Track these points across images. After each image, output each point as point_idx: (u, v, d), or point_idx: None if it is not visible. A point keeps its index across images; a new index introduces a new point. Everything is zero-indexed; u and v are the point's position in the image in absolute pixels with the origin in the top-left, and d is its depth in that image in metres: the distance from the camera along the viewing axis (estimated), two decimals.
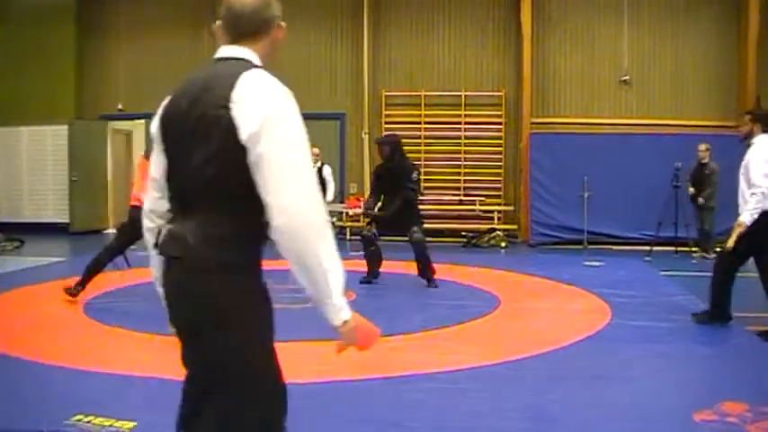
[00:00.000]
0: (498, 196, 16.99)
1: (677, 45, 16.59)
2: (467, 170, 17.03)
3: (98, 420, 4.75)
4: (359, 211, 13.48)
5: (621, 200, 15.12)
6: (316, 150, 14.60)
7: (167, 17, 18.53)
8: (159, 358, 6.49)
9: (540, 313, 8.47)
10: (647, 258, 13.36)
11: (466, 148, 16.91)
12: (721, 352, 6.72)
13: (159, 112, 2.77)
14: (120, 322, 7.77)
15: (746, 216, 7.20)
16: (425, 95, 17.02)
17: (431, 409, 5.19)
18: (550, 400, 5.38)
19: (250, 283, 2.71)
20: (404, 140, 17.06)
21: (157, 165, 2.77)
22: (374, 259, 10.59)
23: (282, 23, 2.92)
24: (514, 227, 16.67)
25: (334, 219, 17.22)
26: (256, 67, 2.73)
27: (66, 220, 18.20)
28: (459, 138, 17.03)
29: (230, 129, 2.51)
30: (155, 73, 18.33)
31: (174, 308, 2.82)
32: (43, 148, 18.60)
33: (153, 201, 2.82)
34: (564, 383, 5.74)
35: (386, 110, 17.41)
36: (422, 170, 16.93)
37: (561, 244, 15.36)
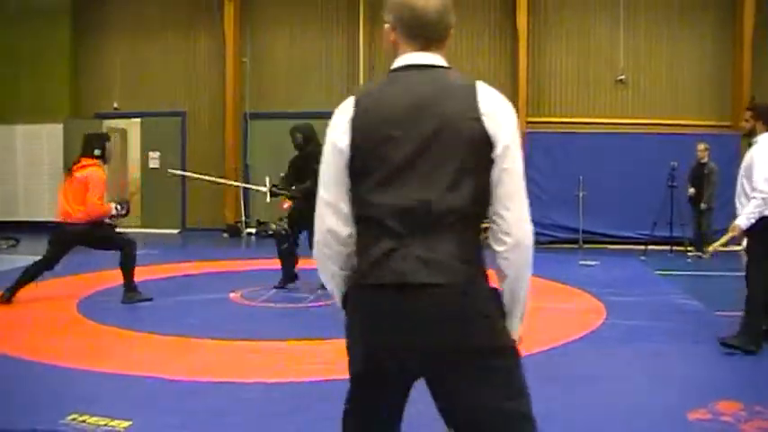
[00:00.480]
0: None
1: (673, 45, 16.61)
2: None
3: (93, 420, 4.75)
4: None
5: (617, 199, 15.15)
6: None
7: (163, 16, 18.52)
8: (154, 357, 6.49)
9: (534, 312, 8.39)
10: (643, 258, 13.38)
11: None
12: (715, 351, 6.71)
13: (348, 125, 2.50)
14: (115, 321, 7.76)
15: (743, 220, 6.75)
16: None
17: (426, 405, 5.18)
18: (545, 399, 5.35)
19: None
20: None
21: (339, 185, 2.53)
22: (289, 259, 9.86)
23: None
24: None
25: None
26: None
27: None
28: None
29: (483, 142, 2.43)
30: (150, 72, 18.36)
31: (423, 334, 2.44)
32: (38, 146, 18.58)
33: (334, 225, 2.55)
34: (558, 383, 5.73)
35: None
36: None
37: (557, 243, 15.36)
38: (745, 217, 6.74)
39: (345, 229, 2.55)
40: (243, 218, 17.91)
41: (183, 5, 18.43)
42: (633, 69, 16.55)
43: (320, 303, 8.97)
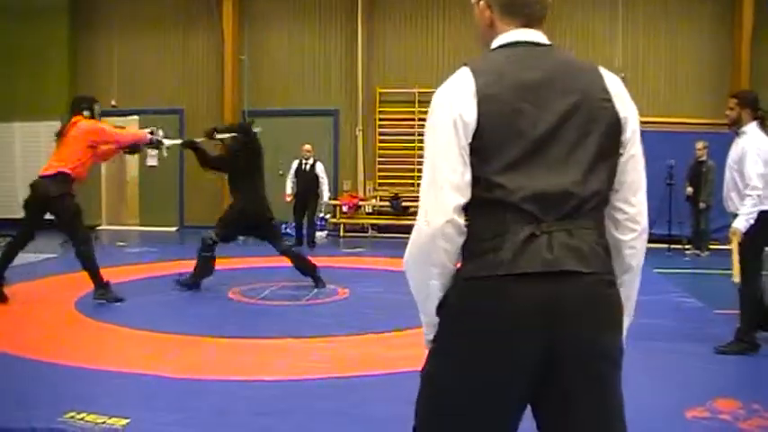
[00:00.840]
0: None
1: (672, 42, 16.62)
2: None
3: (91, 417, 4.74)
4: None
5: None
6: (308, 147, 14.60)
7: (161, 14, 18.52)
8: (152, 355, 6.49)
9: None
10: None
11: None
12: (713, 349, 6.71)
13: (473, 97, 2.25)
14: (113, 319, 7.76)
15: (742, 222, 6.48)
16: (419, 92, 17.00)
17: None
18: None
19: None
20: (399, 137, 17.18)
21: (465, 166, 2.22)
22: (206, 266, 9.57)
23: None
24: None
25: (328, 215, 17.23)
26: None
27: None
28: None
29: (616, 124, 2.32)
30: (148, 69, 18.36)
31: (574, 329, 2.23)
32: (36, 143, 18.55)
33: (458, 213, 2.22)
34: None
35: (380, 107, 17.41)
36: (416, 167, 17.04)
37: None
38: (744, 219, 6.51)
39: (464, 217, 2.25)
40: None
41: (182, 3, 18.42)
42: (632, 66, 16.53)
43: (318, 301, 8.97)
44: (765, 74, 15.95)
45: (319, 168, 14.74)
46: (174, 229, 18.25)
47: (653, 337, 7.19)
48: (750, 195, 6.49)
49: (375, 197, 17.68)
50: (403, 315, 8.15)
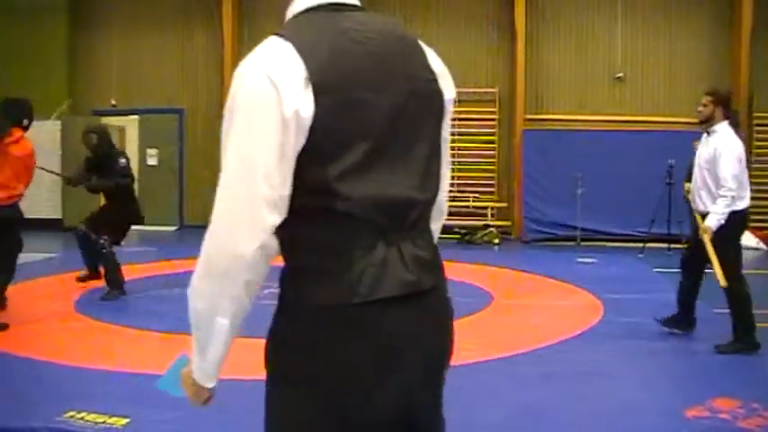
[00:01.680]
0: (492, 193, 16.96)
1: (671, 42, 16.60)
2: (460, 166, 17.00)
3: (91, 417, 4.75)
4: None
5: (615, 196, 15.12)
6: None
7: (161, 13, 18.49)
8: (152, 354, 6.50)
9: (532, 310, 8.48)
10: (640, 255, 13.38)
11: (459, 144, 16.86)
12: (713, 348, 6.72)
13: (305, 84, 1.76)
14: (112, 318, 7.76)
15: (713, 221, 6.51)
16: None
17: None
18: (542, 396, 5.39)
19: None
20: None
21: (288, 173, 1.78)
22: (92, 258, 9.40)
23: None
24: (508, 223, 16.66)
25: None
26: None
27: (59, 216, 18.17)
28: (453, 134, 16.84)
29: (441, 110, 2.01)
30: (148, 69, 18.32)
31: (420, 351, 1.95)
32: (36, 143, 18.52)
33: (269, 234, 1.82)
34: (556, 380, 5.75)
35: None
36: None
37: (554, 240, 15.35)
38: (715, 218, 6.50)
39: (275, 238, 1.84)
40: None
41: (181, 3, 18.40)
42: (631, 66, 16.53)
43: None
44: (764, 74, 15.95)
45: None
46: (173, 228, 18.24)
47: (652, 336, 7.22)
48: (724, 197, 6.48)
49: None
50: None
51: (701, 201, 6.83)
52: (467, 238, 15.89)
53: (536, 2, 16.62)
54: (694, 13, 16.51)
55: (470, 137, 16.97)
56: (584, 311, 8.31)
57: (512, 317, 8.06)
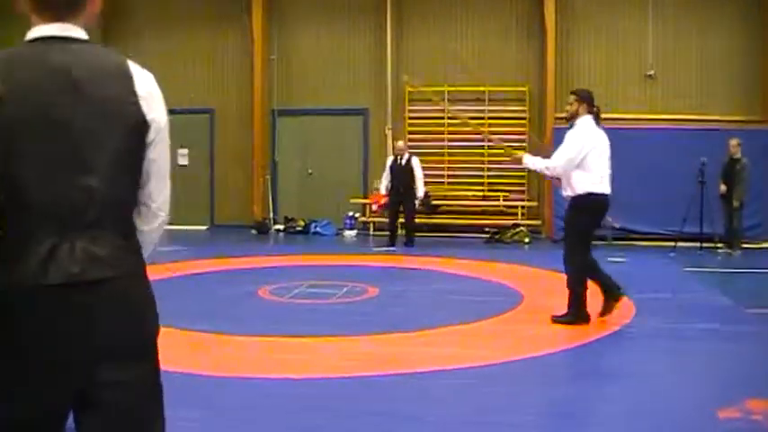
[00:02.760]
0: (522, 191, 16.91)
1: (702, 39, 16.45)
2: (491, 165, 16.97)
3: None
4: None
5: (645, 195, 15.00)
6: (401, 144, 14.62)
7: (191, 14, 18.59)
8: (182, 352, 6.54)
9: (562, 309, 8.42)
10: (672, 254, 13.28)
11: (490, 143, 16.82)
12: (746, 349, 6.66)
13: None
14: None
15: (533, 161, 8.12)
16: (448, 91, 16.97)
17: (450, 403, 5.19)
18: (571, 396, 5.37)
19: None
20: (428, 136, 17.16)
21: None
22: None
23: None
24: (538, 222, 16.60)
25: (358, 214, 17.24)
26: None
27: None
28: (483, 133, 16.96)
29: (140, 126, 2.39)
30: (179, 69, 18.40)
31: (93, 336, 2.26)
32: None
33: None
34: (585, 380, 5.72)
35: (409, 105, 17.39)
36: (446, 165, 17.00)
37: None
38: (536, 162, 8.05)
39: None
40: (271, 215, 17.96)
41: (212, 3, 18.50)
42: (662, 64, 16.41)
43: (347, 300, 8.98)
44: None
45: (415, 163, 14.66)
46: (204, 227, 18.34)
47: (684, 336, 7.16)
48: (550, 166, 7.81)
49: None
50: (431, 314, 8.19)
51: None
52: (497, 237, 15.85)
53: (566, 0, 16.52)
54: (726, 10, 16.37)
55: (500, 135, 16.90)
56: (613, 311, 8.24)
57: (542, 316, 8.02)
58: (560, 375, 5.89)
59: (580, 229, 7.74)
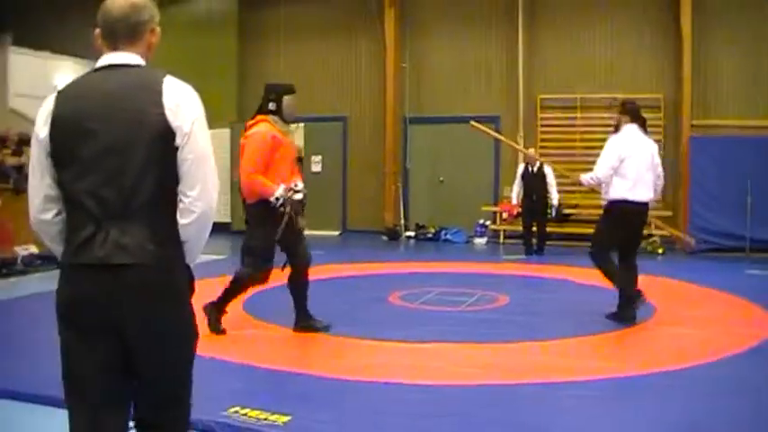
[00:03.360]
0: (657, 201, 16.50)
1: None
2: None
3: (253, 413, 4.91)
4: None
5: None
6: (532, 151, 14.55)
7: (324, 23, 18.95)
8: (312, 356, 6.68)
9: (697, 322, 8.21)
10: None
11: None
12: None
13: (48, 117, 2.83)
14: (277, 320, 7.95)
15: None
16: (581, 98, 16.75)
17: (579, 416, 5.13)
18: (705, 413, 5.22)
19: None
20: (560, 143, 16.96)
21: (42, 172, 2.88)
22: None
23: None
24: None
25: (488, 222, 17.19)
26: None
27: (228, 220, 18.87)
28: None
29: (166, 133, 2.81)
30: (312, 77, 18.76)
31: (119, 309, 2.84)
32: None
33: (38, 207, 2.91)
34: (720, 397, 5.55)
35: (541, 113, 17.25)
36: (578, 174, 16.72)
37: (721, 251, 14.78)
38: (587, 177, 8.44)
39: (49, 212, 2.85)
40: (402, 221, 18.11)
41: (345, 12, 18.79)
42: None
43: (477, 307, 8.98)
44: None
45: (547, 170, 14.54)
46: (337, 233, 18.62)
47: None
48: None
49: None
50: (561, 323, 8.10)
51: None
52: None
53: (702, 3, 16.02)
54: None
55: None
56: (753, 325, 7.98)
57: (675, 329, 7.83)
58: (693, 391, 5.72)
59: (606, 233, 8.31)
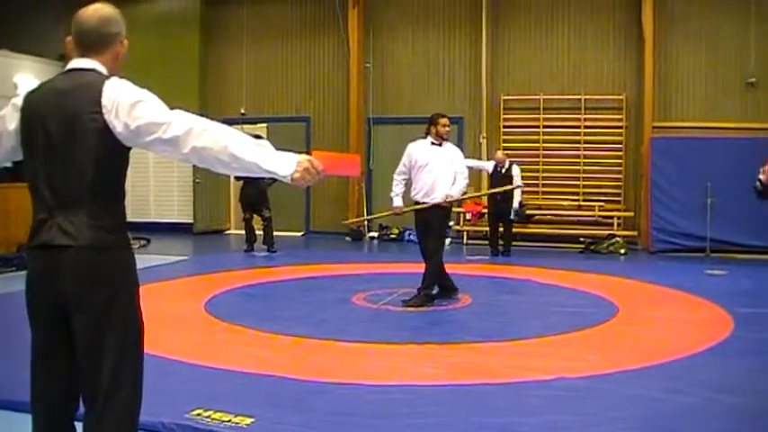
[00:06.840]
0: (618, 201, 16.66)
1: None
2: (586, 175, 16.77)
3: (217, 415, 4.88)
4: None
5: (747, 206, 14.42)
6: (500, 154, 14.51)
7: (288, 23, 18.89)
8: (276, 357, 6.63)
9: (658, 322, 8.28)
10: None
11: (585, 152, 16.66)
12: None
13: (16, 113, 3.19)
14: (239, 320, 7.93)
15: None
16: (544, 99, 16.85)
17: (543, 415, 5.14)
18: (667, 411, 5.26)
19: None
20: (523, 144, 17.04)
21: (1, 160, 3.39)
22: None
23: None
24: (634, 233, 16.32)
25: (452, 223, 17.23)
26: None
27: (190, 221, 18.77)
28: (579, 142, 16.77)
29: (104, 131, 3.05)
30: (275, 78, 18.72)
31: (61, 284, 3.11)
32: None
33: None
34: (682, 395, 5.59)
35: (504, 114, 17.31)
36: (540, 174, 16.84)
37: (682, 251, 14.94)
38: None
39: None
40: (365, 222, 18.09)
41: (308, 12, 18.75)
42: (764, 71, 15.92)
43: (441, 308, 8.99)
44: None
45: (515, 171, 14.41)
46: (299, 234, 18.57)
47: None
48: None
49: None
50: (525, 323, 8.13)
51: None
52: (592, 247, 15.65)
53: (664, 5, 16.18)
54: None
55: (597, 144, 16.72)
56: (713, 325, 8.06)
57: (637, 329, 7.89)
58: (655, 390, 5.76)
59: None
